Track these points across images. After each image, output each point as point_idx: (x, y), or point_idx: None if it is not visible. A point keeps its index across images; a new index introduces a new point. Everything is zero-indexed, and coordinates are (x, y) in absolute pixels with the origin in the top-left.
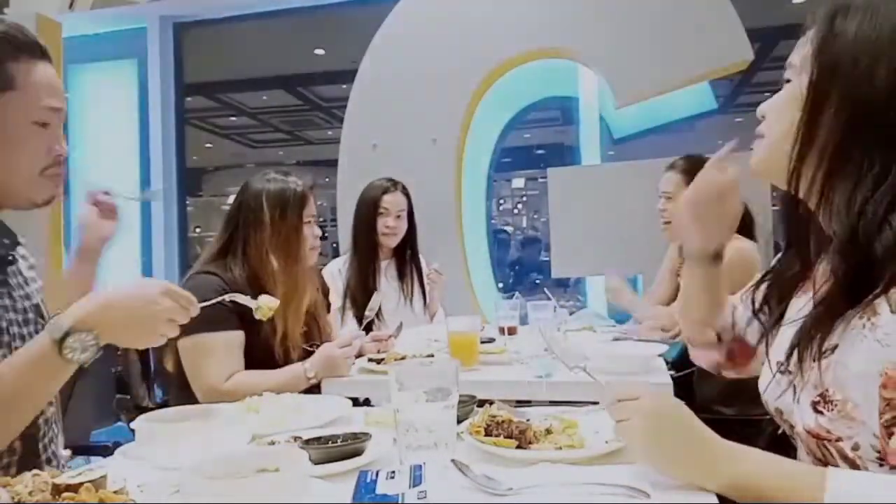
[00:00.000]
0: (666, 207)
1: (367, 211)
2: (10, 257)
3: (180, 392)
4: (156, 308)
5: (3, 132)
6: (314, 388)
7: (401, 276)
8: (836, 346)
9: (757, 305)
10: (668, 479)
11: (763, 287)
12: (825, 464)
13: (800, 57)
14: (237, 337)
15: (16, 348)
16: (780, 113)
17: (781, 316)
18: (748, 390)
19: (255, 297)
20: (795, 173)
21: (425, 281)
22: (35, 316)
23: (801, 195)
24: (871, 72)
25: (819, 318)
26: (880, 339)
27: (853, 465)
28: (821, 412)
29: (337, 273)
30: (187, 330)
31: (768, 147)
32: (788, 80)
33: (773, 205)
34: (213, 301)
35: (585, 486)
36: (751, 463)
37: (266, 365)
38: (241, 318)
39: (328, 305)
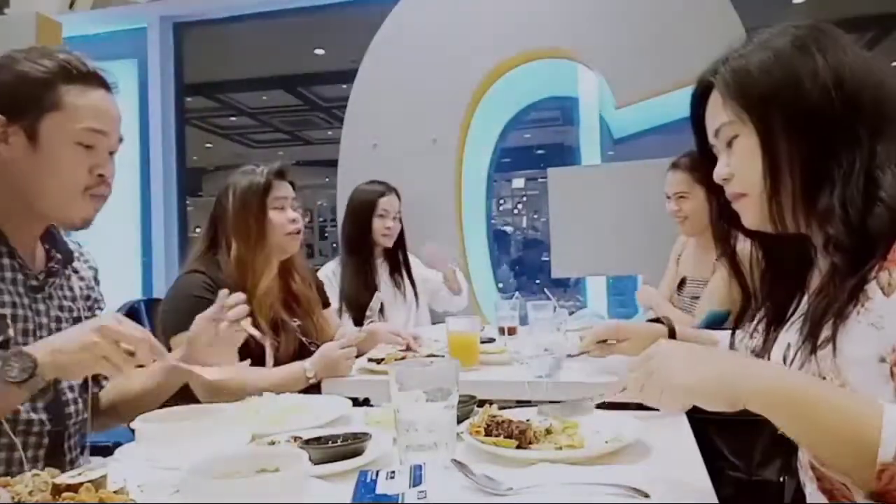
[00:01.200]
0: (680, 206)
1: (363, 213)
2: (54, 271)
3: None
4: (89, 350)
5: (48, 151)
6: (314, 388)
7: (393, 274)
8: (831, 335)
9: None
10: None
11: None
12: None
13: (728, 115)
14: None
15: None
16: (750, 168)
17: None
18: None
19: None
20: (777, 211)
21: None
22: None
23: (788, 227)
24: (787, 90)
25: (817, 310)
26: (874, 322)
27: None
28: None
29: (331, 276)
30: (178, 329)
31: (760, 200)
32: (735, 136)
33: None
34: None
35: (585, 486)
36: (798, 376)
37: (243, 357)
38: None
39: (325, 303)
